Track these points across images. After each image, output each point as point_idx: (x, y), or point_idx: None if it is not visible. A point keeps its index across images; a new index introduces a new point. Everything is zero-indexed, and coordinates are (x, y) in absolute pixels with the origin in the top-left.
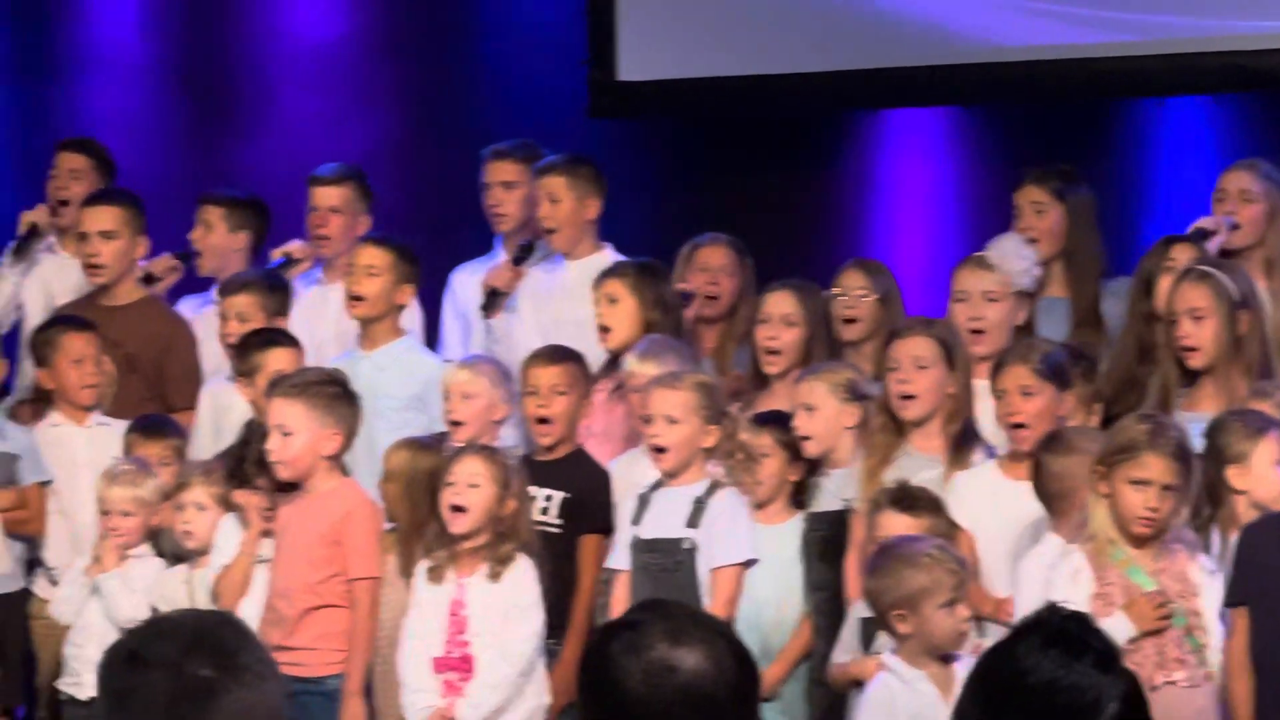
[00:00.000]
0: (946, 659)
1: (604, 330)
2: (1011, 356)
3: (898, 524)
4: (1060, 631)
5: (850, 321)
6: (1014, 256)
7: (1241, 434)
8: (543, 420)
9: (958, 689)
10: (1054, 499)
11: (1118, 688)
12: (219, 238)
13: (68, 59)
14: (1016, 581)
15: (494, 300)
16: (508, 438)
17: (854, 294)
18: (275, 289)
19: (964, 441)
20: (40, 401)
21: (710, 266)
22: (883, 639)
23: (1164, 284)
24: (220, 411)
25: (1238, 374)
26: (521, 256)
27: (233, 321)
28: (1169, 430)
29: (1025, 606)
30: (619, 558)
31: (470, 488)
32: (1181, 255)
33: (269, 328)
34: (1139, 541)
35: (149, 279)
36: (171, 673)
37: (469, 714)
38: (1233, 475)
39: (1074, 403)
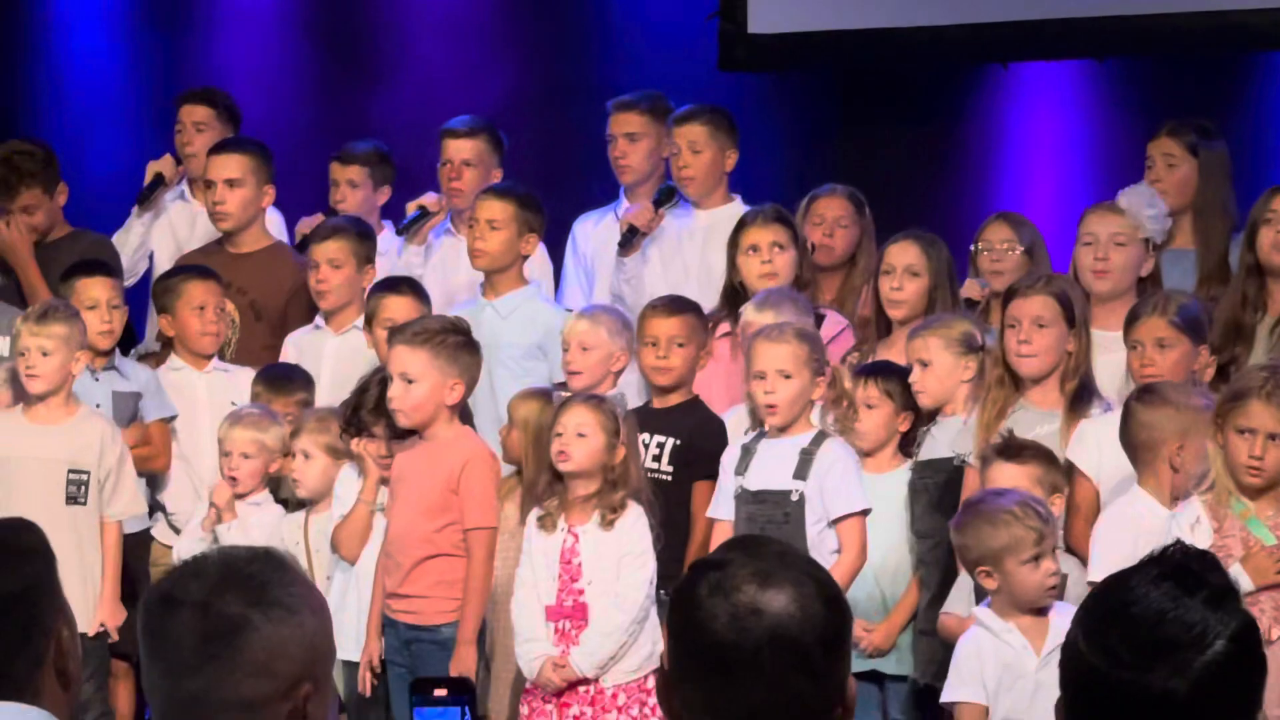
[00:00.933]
0: (1041, 611)
1: (772, 275)
2: (1147, 308)
3: (1007, 474)
4: (1179, 566)
5: (996, 275)
6: (1144, 204)
7: None
8: (659, 370)
9: (1052, 639)
10: (1138, 450)
11: (1227, 626)
12: (365, 194)
13: (200, 11)
14: (1098, 529)
15: (631, 239)
16: (627, 385)
17: (999, 247)
18: (365, 236)
19: (1081, 397)
20: (166, 349)
21: (826, 218)
22: (979, 607)
23: (1265, 235)
24: (305, 359)
25: None
26: (662, 200)
27: (324, 267)
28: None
29: (1100, 558)
30: (722, 508)
31: (578, 437)
32: None
33: (394, 276)
34: (1253, 492)
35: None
36: (200, 611)
37: (583, 662)
38: None
39: (1207, 355)
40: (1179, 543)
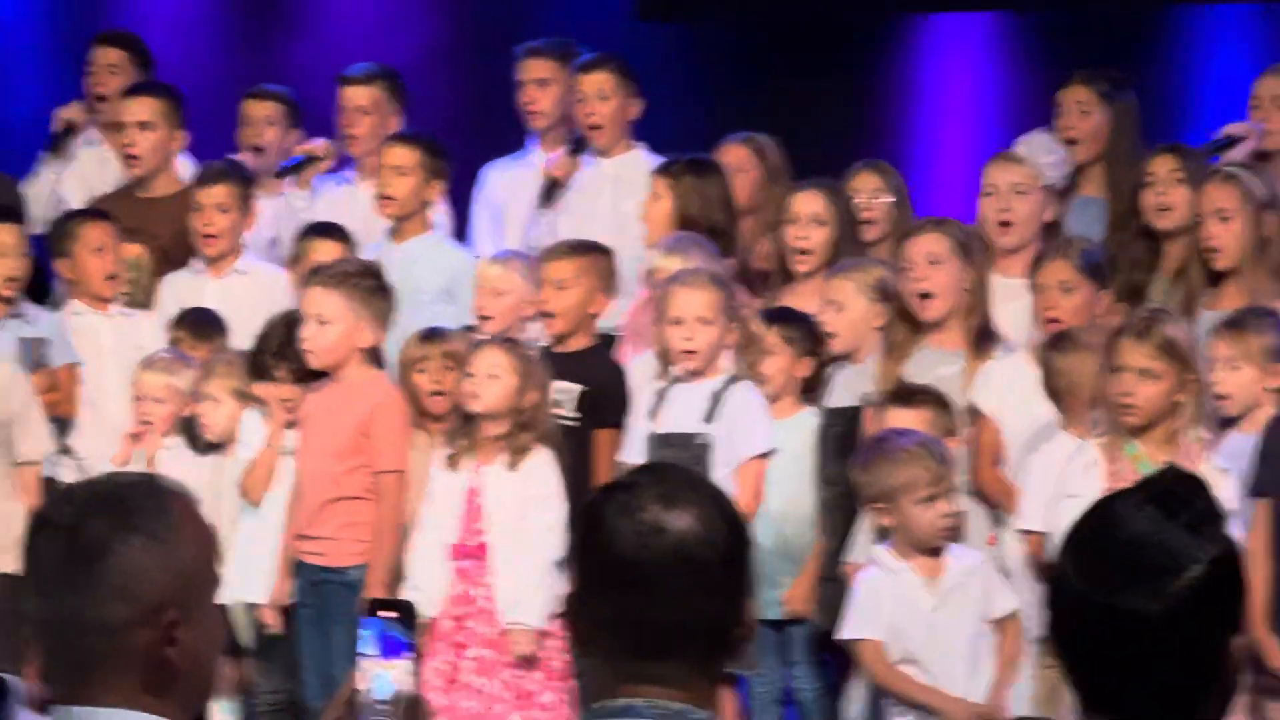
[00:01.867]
0: (936, 551)
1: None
2: (1052, 252)
3: (901, 419)
4: (1165, 491)
5: (865, 224)
6: (1042, 151)
7: None
8: (546, 314)
9: (948, 579)
10: (1061, 396)
11: (1206, 551)
12: (279, 132)
13: None
14: (1025, 475)
15: (554, 190)
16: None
17: (867, 196)
18: (248, 180)
19: (983, 337)
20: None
21: (727, 166)
22: (877, 546)
23: (1147, 197)
24: (182, 301)
25: (1263, 275)
26: (577, 148)
27: (209, 210)
28: (1158, 322)
29: (1031, 501)
30: (633, 451)
31: (490, 378)
32: (1161, 169)
33: (324, 221)
34: (1137, 432)
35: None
36: (66, 533)
37: (528, 617)
38: None
39: (1109, 301)
40: (1171, 466)
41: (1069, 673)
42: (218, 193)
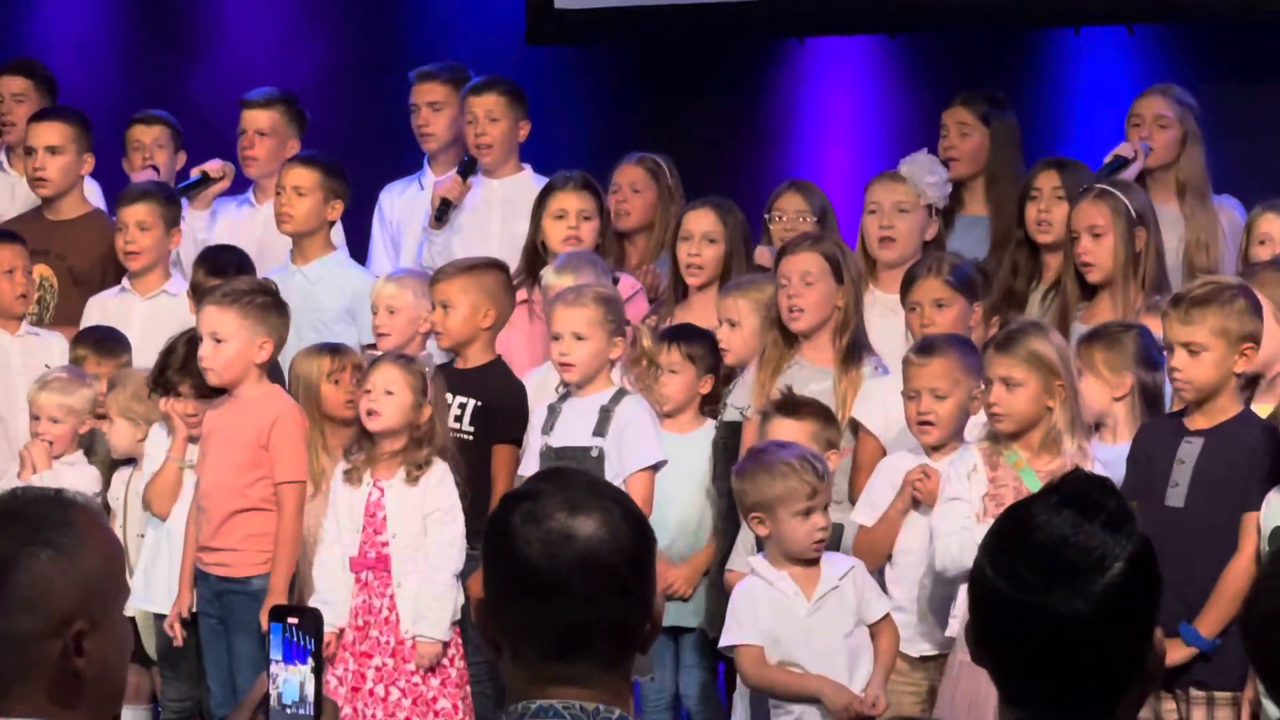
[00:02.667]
0: (812, 561)
1: (575, 242)
2: (923, 270)
3: (785, 430)
4: (1078, 493)
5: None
6: (925, 171)
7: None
8: (436, 332)
9: (822, 586)
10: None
11: (1124, 548)
12: (167, 156)
13: None
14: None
15: (445, 211)
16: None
17: (791, 215)
18: (172, 200)
19: (853, 352)
20: None
21: (621, 185)
22: (754, 556)
23: (1030, 210)
24: (111, 321)
25: (1134, 289)
26: (466, 171)
27: (132, 229)
28: (1021, 333)
29: (871, 496)
30: (529, 465)
31: (386, 394)
32: (1045, 184)
33: (219, 244)
34: (1014, 438)
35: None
36: None
37: (431, 630)
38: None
39: (980, 314)
40: (1077, 470)
41: (993, 671)
42: (139, 210)
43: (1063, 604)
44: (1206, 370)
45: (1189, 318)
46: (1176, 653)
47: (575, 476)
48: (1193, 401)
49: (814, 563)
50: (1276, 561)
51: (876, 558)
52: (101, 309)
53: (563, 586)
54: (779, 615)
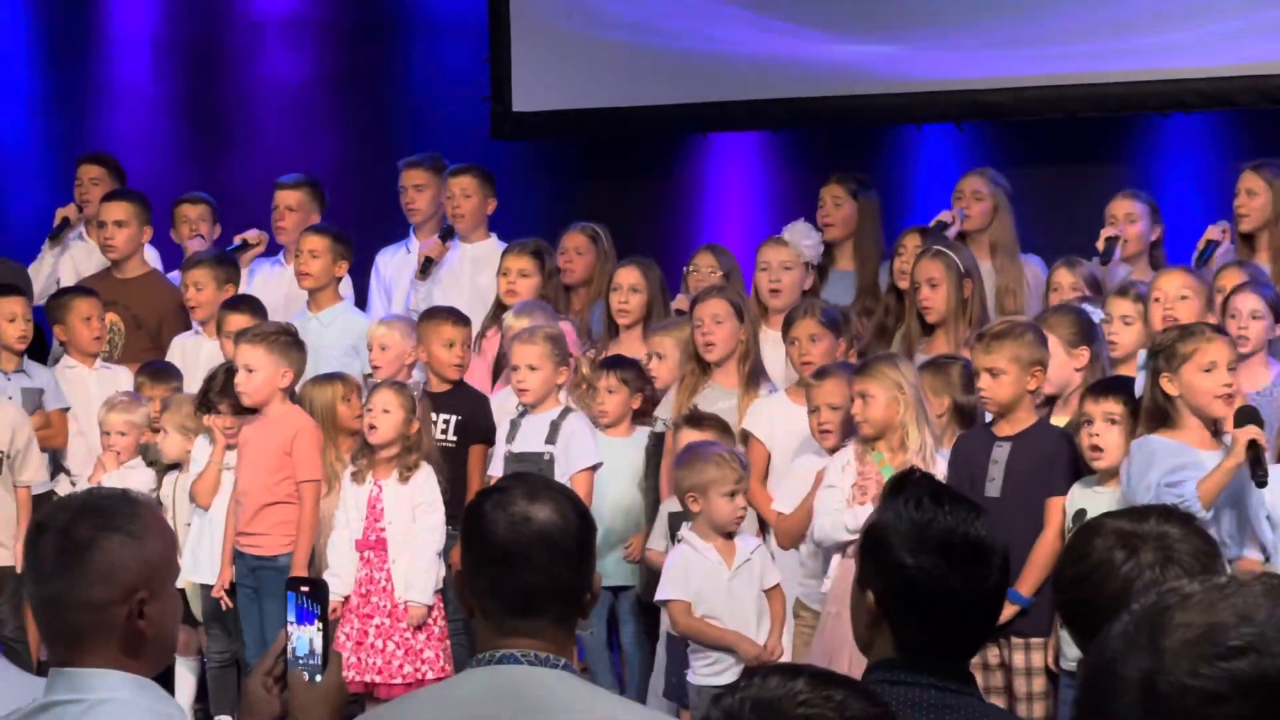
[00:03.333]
0: (730, 536)
1: (513, 294)
2: (800, 312)
3: (691, 438)
4: (930, 490)
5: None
6: (802, 236)
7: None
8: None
9: (739, 557)
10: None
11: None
12: (208, 229)
13: (95, 93)
14: (790, 473)
15: (428, 267)
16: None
17: (704, 270)
18: (223, 263)
19: (753, 377)
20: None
21: (568, 248)
22: (684, 529)
23: (896, 263)
24: (187, 356)
25: (963, 327)
26: (445, 236)
27: (191, 289)
28: (873, 361)
29: (785, 488)
30: (496, 467)
31: (384, 413)
32: (909, 244)
33: (239, 295)
34: (873, 440)
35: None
36: (60, 533)
37: (419, 596)
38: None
39: (845, 347)
40: (912, 469)
41: (893, 628)
42: (198, 273)
43: (969, 584)
44: (1005, 389)
45: (989, 348)
46: (1004, 611)
47: (534, 477)
48: (997, 414)
49: (731, 537)
50: (1079, 537)
51: (793, 538)
52: (180, 346)
53: (524, 557)
54: (705, 578)
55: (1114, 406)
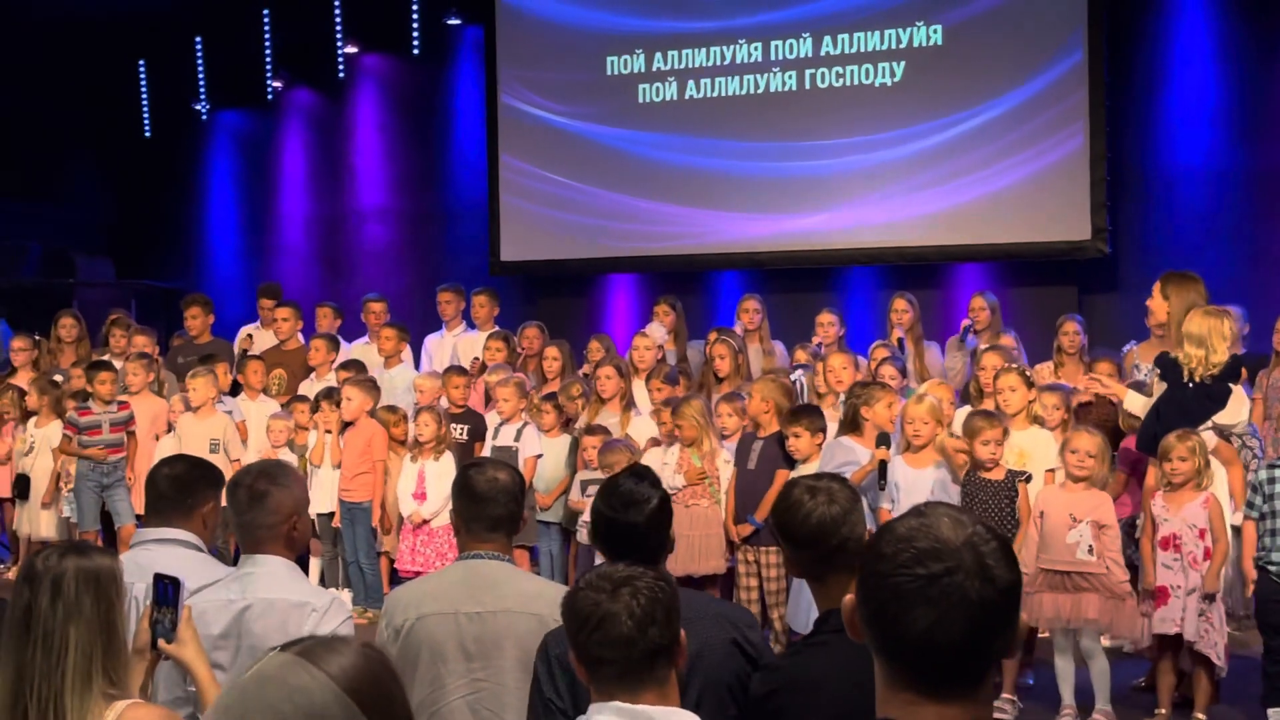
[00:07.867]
0: None
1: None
2: (655, 374)
3: (592, 441)
4: (633, 472)
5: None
6: (656, 335)
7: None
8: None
9: None
10: (681, 430)
11: (656, 488)
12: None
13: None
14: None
15: (483, 370)
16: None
17: (595, 350)
18: (334, 342)
19: (627, 408)
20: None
21: (527, 335)
22: (590, 490)
23: (706, 347)
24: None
25: (739, 379)
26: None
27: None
28: (684, 400)
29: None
30: (485, 455)
31: (425, 425)
32: (711, 336)
33: (348, 360)
34: (691, 444)
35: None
36: (248, 488)
37: (433, 519)
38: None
39: (682, 390)
40: (636, 465)
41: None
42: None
43: (634, 518)
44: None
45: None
46: (747, 529)
47: (499, 461)
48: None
49: None
50: (785, 487)
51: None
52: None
53: (492, 499)
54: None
55: (803, 430)
